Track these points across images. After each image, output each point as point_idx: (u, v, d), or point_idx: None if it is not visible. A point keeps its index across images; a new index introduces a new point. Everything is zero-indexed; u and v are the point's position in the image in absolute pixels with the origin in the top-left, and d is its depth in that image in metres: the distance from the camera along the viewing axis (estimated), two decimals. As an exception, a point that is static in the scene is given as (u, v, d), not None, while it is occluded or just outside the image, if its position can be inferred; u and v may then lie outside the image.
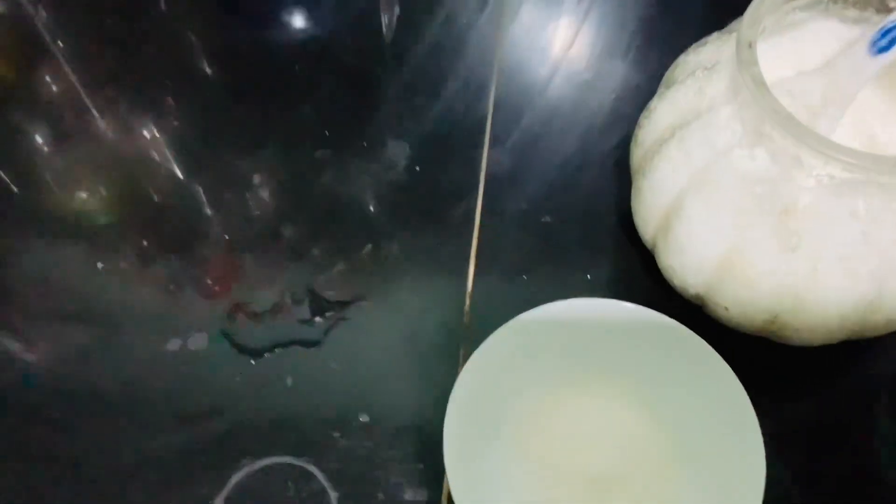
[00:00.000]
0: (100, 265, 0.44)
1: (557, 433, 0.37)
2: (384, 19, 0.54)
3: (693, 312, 0.39)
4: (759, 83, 0.33)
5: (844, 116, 0.34)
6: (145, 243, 0.45)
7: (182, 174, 0.48)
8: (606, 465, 0.37)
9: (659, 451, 0.37)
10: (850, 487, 0.38)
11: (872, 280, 0.34)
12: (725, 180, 0.35)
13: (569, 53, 0.53)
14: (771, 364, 0.40)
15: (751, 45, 0.33)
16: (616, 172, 0.47)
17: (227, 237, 0.45)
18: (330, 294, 0.43)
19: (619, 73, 0.52)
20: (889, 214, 0.32)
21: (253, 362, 0.41)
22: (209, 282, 0.44)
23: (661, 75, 0.42)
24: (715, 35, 0.39)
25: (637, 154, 0.40)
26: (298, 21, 0.56)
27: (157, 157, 0.49)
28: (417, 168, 0.47)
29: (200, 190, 0.47)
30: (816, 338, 0.37)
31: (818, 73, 0.35)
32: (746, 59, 0.33)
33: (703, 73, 0.37)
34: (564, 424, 0.38)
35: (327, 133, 0.49)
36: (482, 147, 0.48)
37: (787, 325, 0.37)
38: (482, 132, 0.49)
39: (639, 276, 0.43)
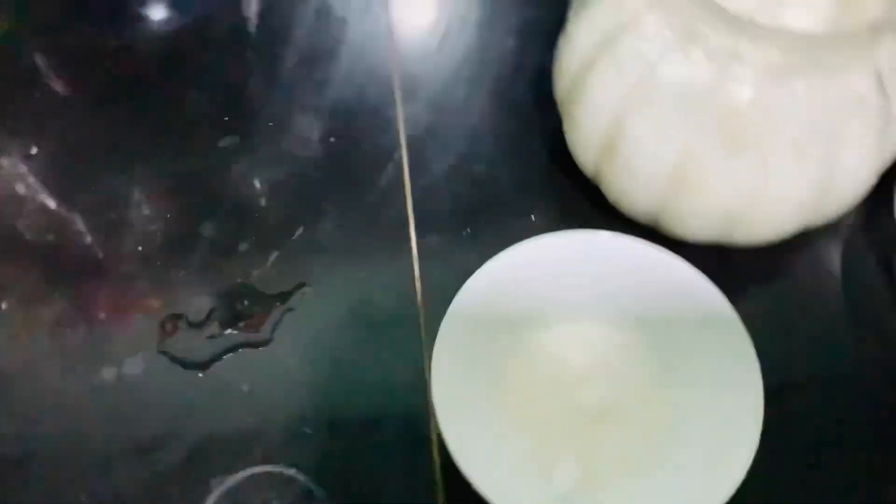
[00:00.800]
0: (4, 305, 0.39)
1: (547, 368, 0.36)
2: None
3: (645, 235, 0.38)
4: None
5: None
6: (38, 278, 0.41)
7: (68, 201, 0.43)
8: (597, 395, 0.36)
9: (650, 379, 0.36)
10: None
11: (822, 163, 0.34)
12: (664, 91, 0.34)
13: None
14: (727, 271, 0.39)
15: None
16: (539, 108, 0.45)
17: (140, 248, 0.41)
18: (269, 287, 0.40)
19: (515, 7, 0.51)
20: (830, 92, 0.32)
21: (201, 375, 0.38)
22: (122, 303, 0.40)
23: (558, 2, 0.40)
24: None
25: (563, 83, 0.39)
26: (158, 13, 0.51)
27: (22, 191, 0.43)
28: (332, 139, 0.45)
29: (96, 207, 0.43)
30: (772, 233, 0.37)
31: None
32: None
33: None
34: (553, 359, 0.37)
35: (227, 119, 0.45)
36: (395, 106, 0.46)
37: (743, 225, 0.36)
38: (391, 91, 0.46)
39: (584, 208, 0.42)
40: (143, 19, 0.50)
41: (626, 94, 0.35)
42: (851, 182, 0.35)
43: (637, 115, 0.35)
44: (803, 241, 0.39)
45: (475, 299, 0.34)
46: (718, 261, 0.36)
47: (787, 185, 0.34)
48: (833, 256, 0.41)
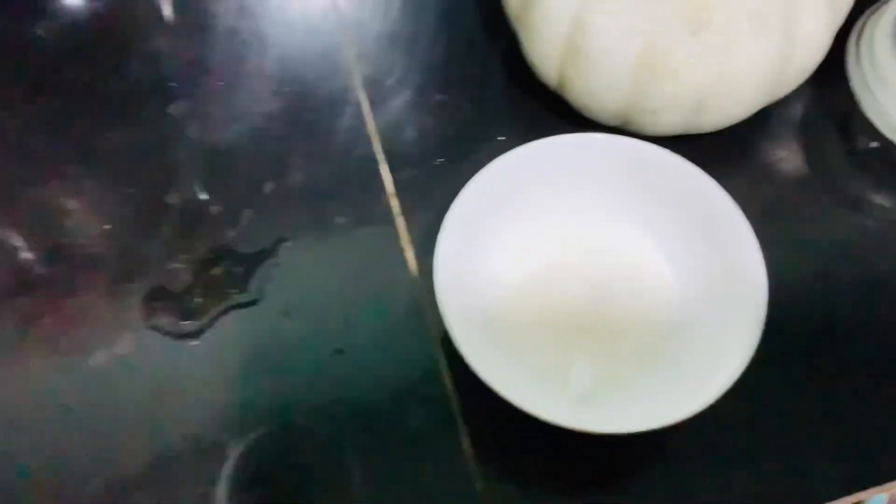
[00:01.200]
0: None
1: (551, 268, 0.37)
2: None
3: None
4: None
5: None
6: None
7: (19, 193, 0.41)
8: (603, 294, 0.36)
9: (657, 274, 0.36)
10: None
11: (781, 32, 0.35)
12: (621, -20, 0.34)
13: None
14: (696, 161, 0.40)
15: None
16: (488, 28, 0.45)
17: (107, 226, 0.39)
18: (248, 247, 0.39)
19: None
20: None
21: (196, 342, 0.37)
22: (100, 285, 0.38)
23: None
24: None
25: (514, -5, 0.39)
26: None
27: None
28: (287, 89, 0.43)
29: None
30: (738, 113, 0.38)
31: None
32: None
33: None
34: (557, 258, 0.37)
35: (175, 85, 0.43)
36: (344, 47, 0.45)
37: (710, 109, 0.37)
38: (338, 31, 0.45)
39: (549, 120, 0.42)
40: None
41: (583, -9, 0.35)
42: (810, 48, 0.36)
43: (597, 9, 0.35)
44: (763, 118, 0.40)
45: (472, 207, 0.34)
46: (685, 152, 0.36)
47: (750, 59, 0.35)
48: (792, 126, 0.43)
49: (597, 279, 0.37)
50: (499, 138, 0.42)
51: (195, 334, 0.37)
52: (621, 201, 0.37)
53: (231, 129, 0.42)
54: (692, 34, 0.34)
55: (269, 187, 0.40)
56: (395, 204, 0.40)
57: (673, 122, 0.38)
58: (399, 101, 0.43)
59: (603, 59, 0.36)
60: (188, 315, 0.37)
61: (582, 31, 0.36)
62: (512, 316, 0.36)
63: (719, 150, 0.41)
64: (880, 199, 0.41)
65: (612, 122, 0.39)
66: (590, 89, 0.38)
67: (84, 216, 0.40)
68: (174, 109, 0.43)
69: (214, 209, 0.40)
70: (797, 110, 0.43)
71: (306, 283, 0.38)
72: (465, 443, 0.35)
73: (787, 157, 0.42)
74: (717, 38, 0.34)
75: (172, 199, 0.40)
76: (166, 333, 0.37)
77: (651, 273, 0.37)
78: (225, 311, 0.37)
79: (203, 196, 0.40)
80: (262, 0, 0.47)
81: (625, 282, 0.37)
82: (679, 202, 0.36)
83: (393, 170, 0.41)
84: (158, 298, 0.38)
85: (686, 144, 0.38)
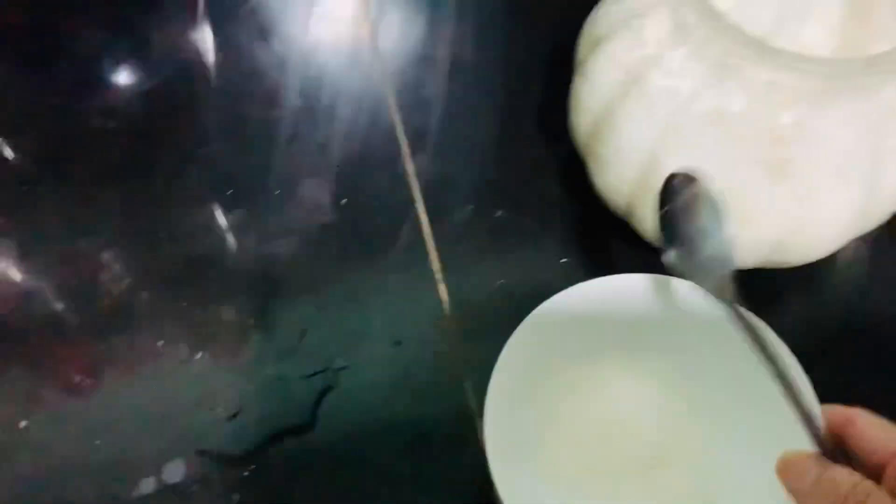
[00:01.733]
0: (22, 423, 0.36)
1: (595, 415, 0.35)
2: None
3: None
4: (719, 18, 0.31)
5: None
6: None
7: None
8: (646, 442, 0.35)
9: (701, 424, 0.35)
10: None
11: (864, 182, 0.33)
12: (701, 126, 0.33)
13: (450, 45, 0.50)
14: (764, 291, 0.38)
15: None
16: (548, 144, 0.44)
17: (160, 343, 0.39)
18: (302, 369, 0.38)
19: (499, 51, 0.49)
20: (868, 112, 0.32)
21: (246, 473, 0.36)
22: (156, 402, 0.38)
23: (549, 41, 0.39)
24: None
25: (583, 124, 0.38)
26: (123, 77, 0.49)
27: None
28: (344, 201, 0.43)
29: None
30: (815, 255, 0.37)
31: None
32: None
33: (638, 22, 0.35)
34: (602, 405, 0.36)
35: (229, 192, 0.43)
36: (403, 158, 0.44)
37: (787, 251, 0.36)
38: (396, 142, 0.45)
39: (616, 244, 0.41)
40: (111, 87, 0.48)
41: (660, 132, 0.34)
42: (891, 195, 0.35)
43: (674, 152, 0.34)
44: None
45: (524, 350, 0.33)
46: (754, 279, 0.35)
47: (831, 209, 0.34)
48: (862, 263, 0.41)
49: (639, 424, 0.35)
50: (561, 260, 0.41)
51: (245, 460, 0.36)
52: (666, 344, 0.35)
53: (287, 240, 0.41)
54: (773, 183, 0.33)
55: (325, 302, 0.40)
56: (453, 326, 0.39)
57: (745, 261, 0.37)
58: (459, 216, 0.42)
59: (677, 199, 0.35)
60: (239, 440, 0.36)
61: (656, 169, 0.35)
62: (554, 453, 0.34)
63: (786, 281, 0.39)
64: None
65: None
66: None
67: (136, 328, 0.39)
68: (231, 217, 0.42)
69: (266, 326, 0.39)
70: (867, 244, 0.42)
71: (360, 410, 0.37)
72: None
73: (855, 294, 0.41)
74: (798, 188, 0.33)
75: (227, 314, 0.39)
76: (216, 459, 0.36)
77: (696, 420, 0.35)
78: (278, 438, 0.36)
79: (257, 312, 0.39)
80: (324, 108, 0.46)
81: (667, 427, 0.35)
82: (723, 346, 0.33)
83: (451, 289, 0.40)
84: (210, 419, 0.37)
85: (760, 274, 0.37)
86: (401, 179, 0.43)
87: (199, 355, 0.38)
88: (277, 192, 0.43)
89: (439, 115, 0.46)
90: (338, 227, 0.42)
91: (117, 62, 0.48)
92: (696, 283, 0.32)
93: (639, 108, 0.35)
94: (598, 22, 0.38)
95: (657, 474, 0.34)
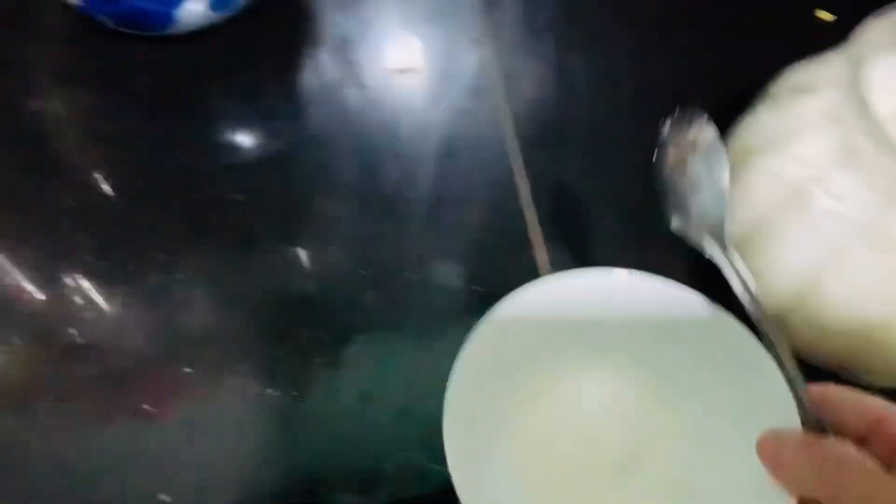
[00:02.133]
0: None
1: (561, 417, 0.34)
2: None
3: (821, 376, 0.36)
4: (893, 146, 0.31)
5: None
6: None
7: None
8: (615, 446, 0.34)
9: (671, 428, 0.33)
10: None
11: None
12: (870, 254, 0.33)
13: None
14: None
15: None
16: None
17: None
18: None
19: (627, 127, 0.50)
20: None
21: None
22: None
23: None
24: (800, 98, 0.37)
25: (733, 233, 0.38)
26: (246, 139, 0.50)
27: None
28: (474, 287, 0.43)
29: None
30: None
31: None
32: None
33: (798, 139, 0.35)
34: (568, 407, 0.34)
35: (362, 272, 0.43)
36: (534, 248, 0.44)
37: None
38: (525, 231, 0.45)
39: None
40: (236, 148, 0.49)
41: (823, 255, 0.34)
42: None
43: (836, 277, 0.34)
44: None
45: (486, 347, 0.32)
46: None
47: None
48: None
49: (608, 427, 0.34)
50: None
51: None
52: (641, 343, 0.34)
53: (420, 318, 0.42)
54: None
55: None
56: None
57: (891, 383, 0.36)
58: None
59: (832, 322, 0.35)
60: None
61: (814, 290, 0.34)
62: (517, 457, 0.33)
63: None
64: None
65: (816, 363, 0.38)
66: (806, 339, 0.36)
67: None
68: (366, 300, 0.43)
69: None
70: None
71: None
72: None
73: None
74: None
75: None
76: None
77: (667, 423, 0.34)
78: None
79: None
80: (455, 193, 0.47)
81: (637, 431, 0.34)
82: (702, 345, 0.33)
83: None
84: None
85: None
86: (532, 268, 0.44)
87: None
88: (414, 275, 0.43)
89: (571, 202, 0.47)
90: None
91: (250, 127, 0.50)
92: (693, 237, 0.32)
93: (800, 229, 0.34)
94: (750, 130, 0.38)
95: (630, 477, 0.33)
